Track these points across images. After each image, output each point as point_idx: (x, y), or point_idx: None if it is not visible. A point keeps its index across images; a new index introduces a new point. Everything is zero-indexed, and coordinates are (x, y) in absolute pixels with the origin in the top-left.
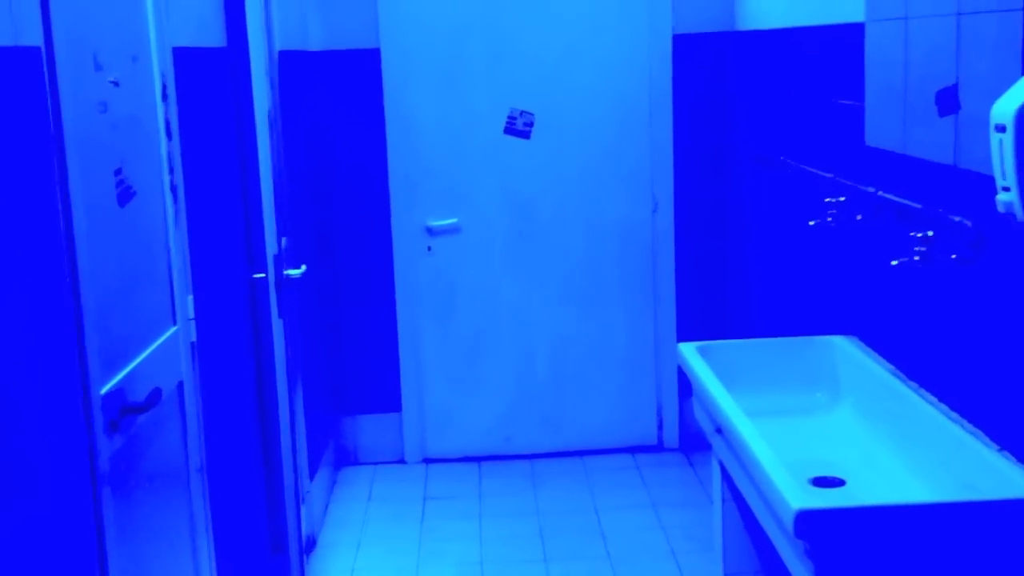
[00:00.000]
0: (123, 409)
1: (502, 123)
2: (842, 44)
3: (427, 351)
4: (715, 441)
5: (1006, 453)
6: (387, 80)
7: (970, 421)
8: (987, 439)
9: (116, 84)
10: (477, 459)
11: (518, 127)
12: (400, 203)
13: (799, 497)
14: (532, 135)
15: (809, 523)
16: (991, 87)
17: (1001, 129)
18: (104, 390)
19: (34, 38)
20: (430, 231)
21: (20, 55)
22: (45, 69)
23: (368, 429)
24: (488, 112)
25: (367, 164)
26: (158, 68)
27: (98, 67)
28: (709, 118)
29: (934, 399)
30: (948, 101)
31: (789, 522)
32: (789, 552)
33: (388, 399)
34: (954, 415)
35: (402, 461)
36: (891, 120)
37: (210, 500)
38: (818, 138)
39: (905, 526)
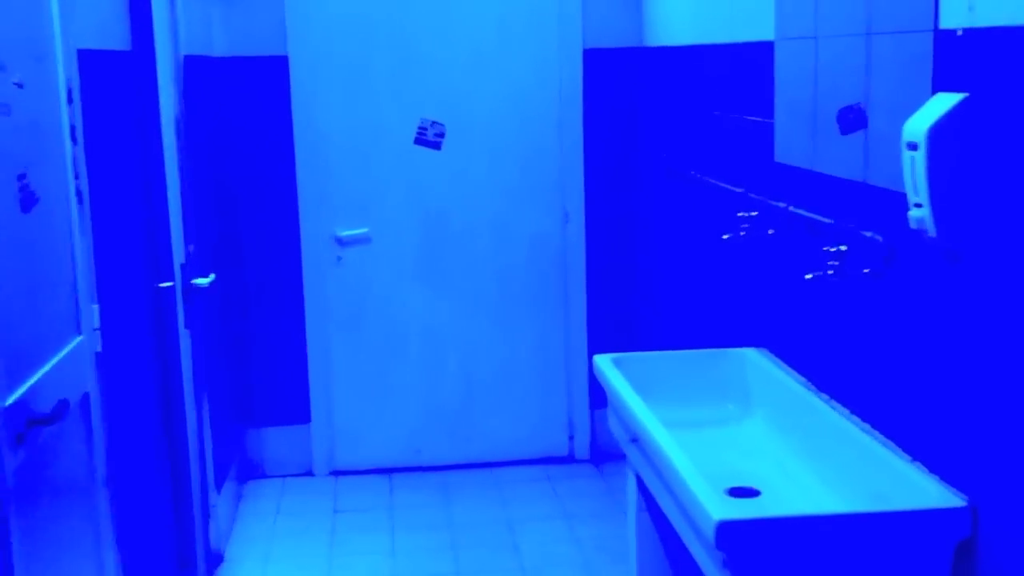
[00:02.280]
0: (28, 421)
1: (413, 133)
2: (752, 62)
3: (336, 362)
4: (630, 452)
5: (918, 463)
6: (295, 88)
7: (882, 432)
8: (899, 450)
9: (20, 86)
10: (387, 471)
11: (429, 137)
12: (309, 212)
13: (719, 508)
14: (443, 146)
15: (729, 534)
16: (901, 106)
17: (913, 147)
18: (8, 402)
19: None
20: (339, 241)
21: None
22: None
23: (276, 441)
24: (398, 122)
25: (275, 173)
26: (63, 70)
27: (1, 68)
28: (620, 132)
29: (845, 411)
30: (851, 119)
31: (710, 533)
32: (707, 562)
33: (296, 411)
34: (866, 426)
35: (310, 474)
36: (800, 137)
37: (116, 514)
38: (729, 153)
39: (822, 536)
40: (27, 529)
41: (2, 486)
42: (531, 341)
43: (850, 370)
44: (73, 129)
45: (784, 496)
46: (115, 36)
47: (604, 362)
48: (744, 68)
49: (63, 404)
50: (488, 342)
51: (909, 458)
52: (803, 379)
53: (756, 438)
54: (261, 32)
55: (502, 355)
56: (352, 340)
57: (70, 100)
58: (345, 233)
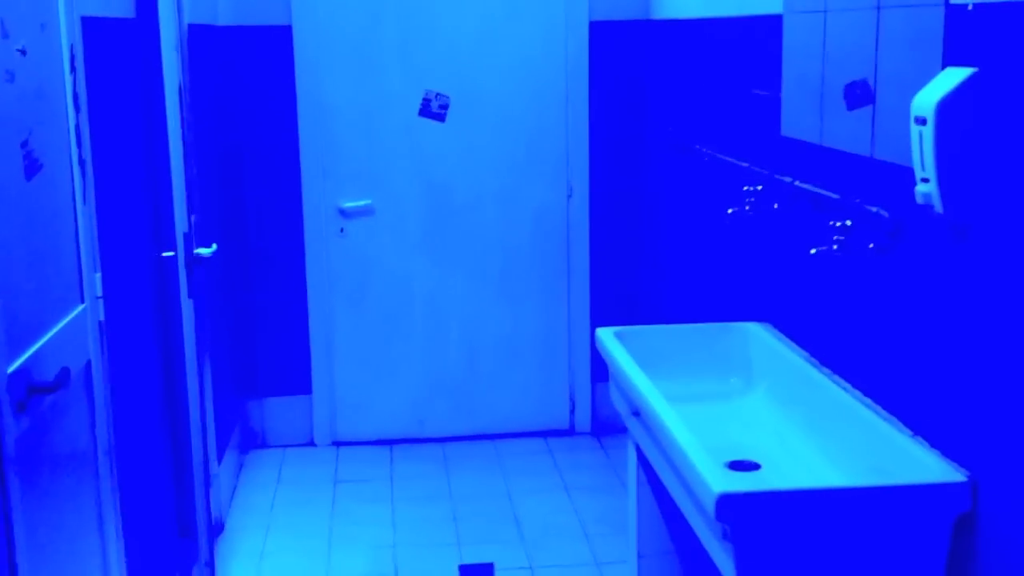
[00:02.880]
0: (30, 389)
1: (417, 104)
2: (760, 35)
3: (339, 333)
4: (631, 424)
5: (919, 439)
6: (299, 58)
7: (884, 407)
8: (901, 425)
9: (23, 53)
10: (389, 442)
11: (433, 109)
12: (312, 183)
13: (720, 481)
14: (447, 118)
15: (730, 506)
16: (910, 80)
17: (921, 122)
18: (10, 369)
19: None
20: (343, 212)
21: None
22: None
23: (277, 411)
24: (403, 93)
25: (279, 143)
26: (67, 38)
27: (4, 35)
28: (626, 105)
29: (848, 385)
30: (857, 95)
31: (710, 505)
32: (707, 534)
33: (298, 381)
34: (868, 401)
35: (312, 444)
36: (807, 111)
37: (118, 483)
38: (735, 127)
39: (823, 510)
40: (29, 497)
41: (4, 453)
42: (534, 314)
43: (853, 345)
44: (76, 97)
45: (785, 470)
46: (119, 3)
47: (606, 335)
48: (752, 42)
49: (65, 372)
50: (491, 314)
51: (910, 433)
52: (806, 354)
53: (758, 412)
54: (265, 1)
55: (505, 328)
56: (354, 311)
57: (73, 68)
58: (348, 204)
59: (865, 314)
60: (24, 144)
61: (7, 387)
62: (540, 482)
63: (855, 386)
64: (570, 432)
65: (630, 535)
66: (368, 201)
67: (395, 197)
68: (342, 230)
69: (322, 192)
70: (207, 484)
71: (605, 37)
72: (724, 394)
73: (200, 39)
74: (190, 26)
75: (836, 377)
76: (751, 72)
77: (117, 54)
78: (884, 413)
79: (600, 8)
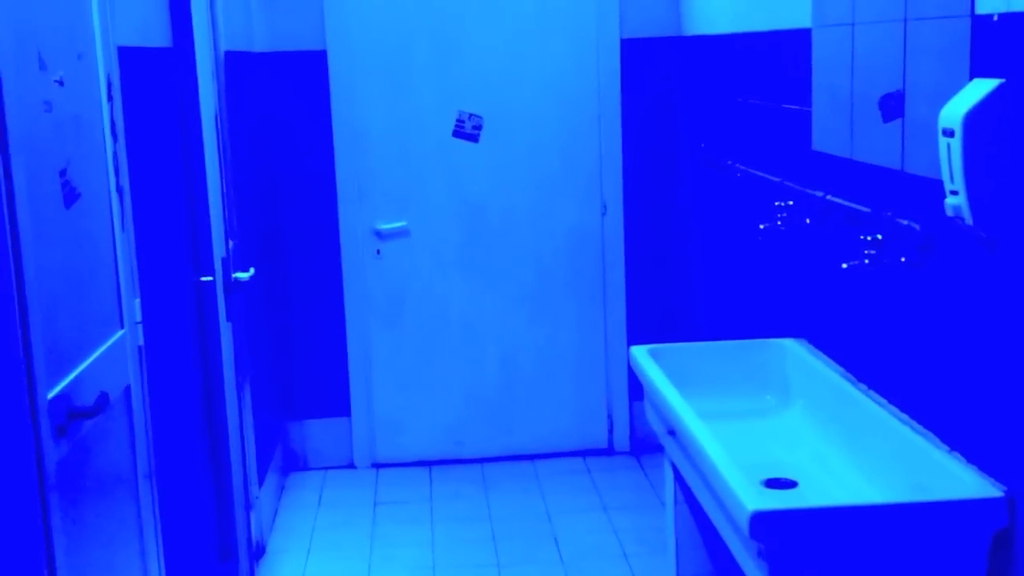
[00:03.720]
0: (70, 414)
1: (451, 126)
2: (789, 50)
3: (376, 355)
4: (667, 443)
5: (956, 454)
6: (334, 82)
7: (920, 423)
8: (937, 440)
9: (61, 83)
10: (427, 463)
11: (467, 130)
12: (348, 206)
13: (754, 499)
14: (481, 138)
15: (764, 524)
16: (938, 93)
17: (949, 134)
18: (51, 395)
19: None
20: (379, 234)
21: None
22: None
23: (317, 434)
24: (436, 115)
25: (315, 167)
26: (103, 67)
27: (42, 66)
28: (658, 122)
29: (884, 401)
30: (892, 106)
31: (744, 524)
32: (743, 553)
33: (337, 403)
34: (904, 416)
35: (352, 466)
36: (838, 125)
37: (158, 506)
38: (766, 142)
39: (858, 527)
40: (69, 521)
41: (45, 478)
42: (570, 333)
43: (888, 360)
44: (113, 125)
45: (822, 487)
46: (156, 33)
47: (640, 353)
48: (781, 56)
49: (104, 397)
50: (527, 334)
51: (947, 448)
52: (841, 369)
53: (794, 429)
54: (300, 27)
55: (541, 347)
56: (392, 333)
57: (110, 97)
58: (384, 226)
59: (899, 328)
60: (63, 173)
61: (48, 412)
62: (579, 502)
63: (891, 402)
64: (609, 451)
65: (668, 555)
66: (404, 223)
67: (430, 218)
68: (378, 252)
69: (358, 214)
70: (248, 506)
71: (637, 54)
72: (760, 411)
73: (236, 65)
74: (227, 53)
75: (872, 393)
76: (781, 86)
77: (154, 82)
78: (920, 428)
79: (631, 26)
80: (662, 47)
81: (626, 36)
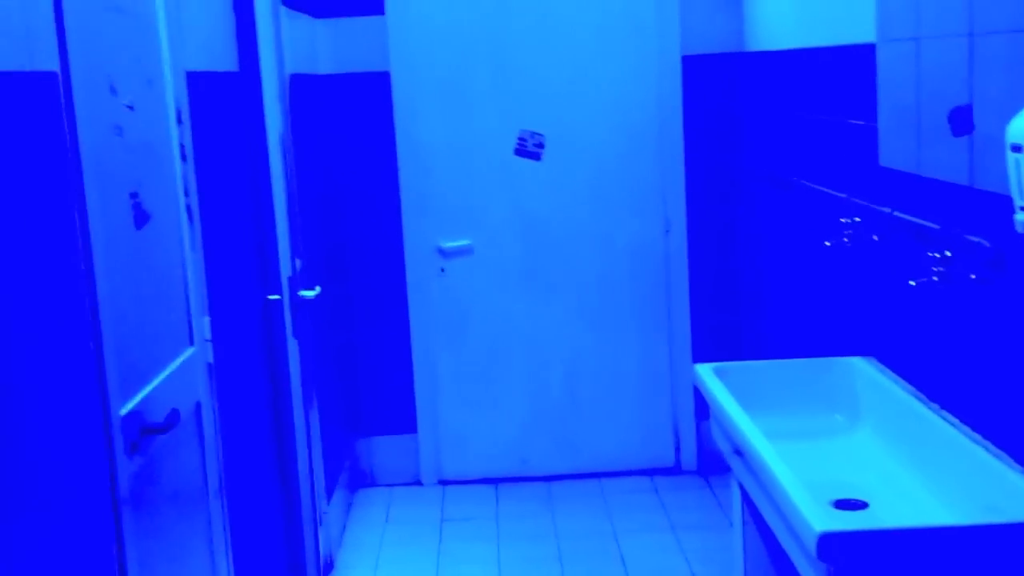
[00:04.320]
0: (142, 430)
1: (513, 144)
2: (853, 65)
3: (441, 372)
4: (734, 463)
5: None
6: (397, 102)
7: (993, 442)
8: (1011, 460)
9: (131, 108)
10: (493, 481)
11: (529, 148)
12: (412, 225)
13: (821, 519)
14: (543, 156)
15: (832, 546)
16: (1005, 107)
17: (1017, 149)
18: (124, 411)
19: (51, 63)
20: (442, 252)
21: (37, 80)
22: (62, 93)
23: (384, 450)
24: (498, 133)
25: (379, 186)
26: (172, 92)
27: (113, 91)
28: (720, 139)
29: (956, 420)
30: (961, 121)
31: (812, 545)
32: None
33: (403, 420)
34: (976, 436)
35: (418, 483)
36: (905, 140)
37: (228, 521)
38: (831, 158)
39: (929, 549)
40: (141, 536)
41: (118, 493)
42: (635, 350)
43: (959, 378)
44: (183, 148)
45: (893, 508)
46: (223, 58)
47: (705, 371)
48: (846, 71)
49: (175, 413)
50: (592, 352)
51: (1021, 469)
52: (912, 388)
53: (864, 449)
54: (364, 49)
55: (606, 365)
56: (456, 350)
57: (179, 120)
58: (448, 244)
59: (970, 346)
60: (134, 195)
61: (121, 428)
62: (645, 521)
63: (963, 421)
64: (676, 470)
65: None
66: (467, 241)
67: (493, 236)
68: (442, 270)
69: (422, 233)
70: (316, 522)
71: (698, 71)
72: (829, 431)
73: (302, 88)
74: (292, 76)
75: (943, 412)
76: (846, 102)
77: (221, 106)
78: (993, 448)
79: (692, 42)
80: (724, 63)
81: (687, 53)
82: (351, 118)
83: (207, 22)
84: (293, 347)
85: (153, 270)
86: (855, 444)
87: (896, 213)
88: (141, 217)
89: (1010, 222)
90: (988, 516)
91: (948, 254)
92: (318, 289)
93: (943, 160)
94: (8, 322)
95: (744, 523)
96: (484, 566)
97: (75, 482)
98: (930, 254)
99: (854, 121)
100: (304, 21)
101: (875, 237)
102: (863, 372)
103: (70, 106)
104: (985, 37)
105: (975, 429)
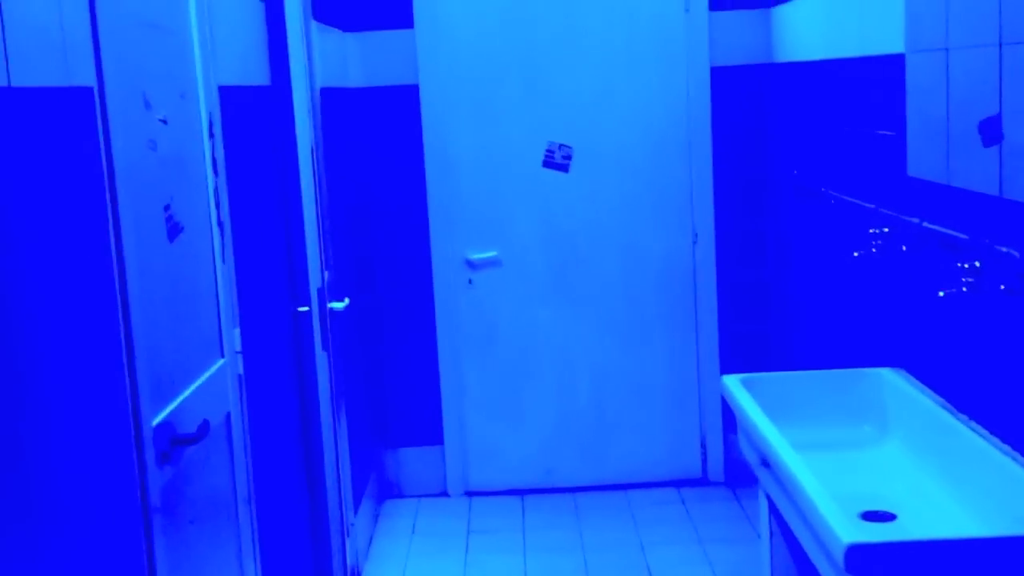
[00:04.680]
0: (173, 441)
1: (540, 156)
2: (882, 75)
3: (469, 384)
4: (761, 475)
5: None
6: (426, 115)
7: (1022, 454)
8: None
9: (165, 122)
10: (520, 492)
11: (556, 160)
12: (440, 236)
13: (849, 531)
14: (571, 168)
15: (860, 557)
16: None
17: None
18: (155, 422)
19: (87, 78)
20: (470, 264)
21: (73, 95)
22: (97, 108)
23: (411, 462)
24: (526, 145)
25: (407, 198)
26: (205, 106)
27: (147, 106)
28: (749, 149)
29: (985, 432)
30: (992, 131)
31: (839, 556)
32: None
33: (430, 432)
34: (1006, 447)
35: (445, 494)
36: (934, 150)
37: (257, 531)
38: (859, 169)
39: (957, 560)
40: (172, 545)
41: (149, 502)
42: (662, 362)
43: (989, 390)
44: (215, 161)
45: (921, 520)
46: (255, 72)
47: (733, 383)
48: (874, 82)
49: (206, 424)
50: (619, 363)
51: None
52: (941, 399)
53: (893, 461)
54: (393, 62)
55: (633, 376)
56: (483, 362)
57: (211, 134)
58: (475, 256)
59: (999, 357)
60: (166, 208)
61: (152, 439)
62: (672, 533)
63: (993, 432)
64: (703, 481)
65: None
66: (495, 252)
67: (521, 248)
68: (470, 281)
69: (450, 245)
70: (343, 533)
71: (727, 82)
72: (857, 442)
73: (332, 101)
74: (322, 89)
75: (973, 423)
76: (874, 112)
77: (253, 119)
78: (1023, 460)
79: (721, 54)
80: (752, 74)
81: (716, 64)
82: (380, 131)
83: (240, 37)
84: (322, 359)
85: (185, 282)
86: (884, 455)
87: (925, 223)
88: (173, 229)
89: None
90: (1017, 527)
91: (977, 265)
92: (347, 301)
93: (972, 170)
94: (42, 333)
95: (772, 535)
96: None
97: (107, 492)
98: (959, 265)
99: (882, 131)
100: (335, 35)
101: (904, 247)
102: (892, 383)
103: (105, 121)
104: (1015, 47)
105: (1004, 440)
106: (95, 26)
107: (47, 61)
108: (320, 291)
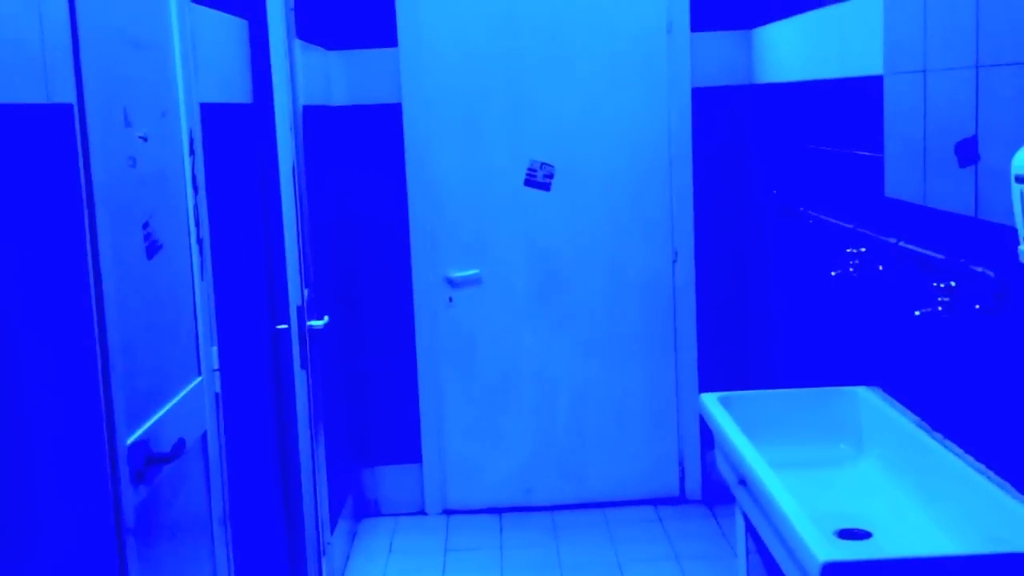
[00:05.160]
0: (148, 459)
1: (522, 175)
2: (861, 97)
3: (448, 402)
4: (739, 493)
5: None
6: (408, 134)
7: (997, 472)
8: (1014, 491)
9: (145, 139)
10: (498, 511)
11: (538, 179)
12: (421, 255)
13: (825, 549)
14: (552, 187)
15: (836, 575)
16: (1011, 139)
17: (1022, 180)
18: (130, 441)
19: (67, 95)
20: (451, 282)
21: (53, 112)
22: (77, 126)
23: (389, 480)
24: (508, 164)
25: (389, 216)
26: (186, 124)
27: (128, 123)
28: (729, 170)
29: (960, 450)
30: (968, 152)
31: (815, 574)
32: None
33: (409, 450)
34: (980, 466)
35: (423, 512)
36: (911, 172)
37: (233, 551)
38: (838, 189)
39: None
40: (145, 566)
41: (122, 522)
42: (641, 380)
43: (964, 409)
44: (195, 179)
45: (897, 538)
46: (237, 90)
47: (711, 401)
48: (853, 103)
49: (181, 443)
50: (598, 382)
51: None
52: (916, 418)
53: (869, 479)
54: (376, 81)
55: (612, 395)
56: (463, 380)
57: (192, 152)
58: (456, 274)
59: (974, 376)
60: (145, 225)
61: (127, 458)
62: (650, 551)
63: (967, 451)
64: (680, 500)
65: None
66: (476, 271)
67: (502, 266)
68: (450, 300)
69: (431, 263)
70: (320, 552)
71: (708, 103)
72: (833, 460)
73: (314, 119)
74: (305, 107)
75: (948, 442)
76: (853, 133)
77: (234, 137)
78: (997, 479)
79: (702, 75)
80: (733, 95)
81: (697, 85)
82: (363, 149)
83: (222, 55)
84: (300, 377)
85: (163, 300)
86: (859, 474)
87: (902, 243)
88: (152, 247)
89: (1015, 253)
90: (992, 546)
91: (953, 284)
92: (326, 319)
93: (949, 191)
94: (17, 350)
95: (748, 553)
96: None
97: (80, 511)
98: (935, 284)
99: (861, 152)
100: (318, 53)
101: (881, 267)
102: (868, 402)
103: (85, 138)
104: (991, 69)
105: (979, 459)
106: (76, 43)
107: (26, 77)
108: (299, 309)
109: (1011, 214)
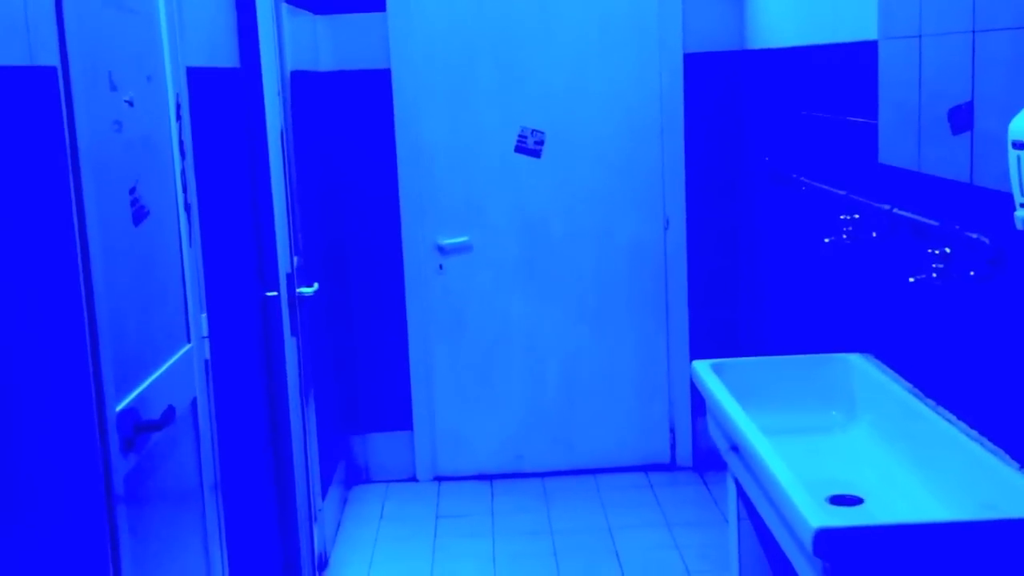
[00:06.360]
0: (137, 427)
1: (513, 141)
2: (855, 62)
3: (438, 369)
4: (730, 459)
5: None
6: (398, 100)
7: (990, 439)
8: (1007, 457)
9: (131, 104)
10: (489, 477)
11: (529, 145)
12: (411, 221)
13: (818, 515)
14: (543, 153)
15: (828, 542)
16: (1007, 104)
17: (1019, 146)
18: (119, 408)
19: (50, 58)
20: (441, 249)
21: (36, 75)
22: (61, 89)
23: (380, 447)
24: (498, 131)
25: (378, 183)
26: (172, 88)
27: (113, 87)
28: (721, 136)
29: (952, 417)
30: (961, 118)
31: (808, 541)
32: (807, 571)
33: (399, 417)
34: (973, 433)
35: (414, 479)
36: (905, 138)
37: (223, 518)
38: (831, 156)
39: (925, 544)
40: (136, 533)
41: (112, 490)
42: (632, 347)
43: (957, 375)
44: (182, 144)
45: (888, 504)
46: (225, 54)
47: (703, 368)
48: (847, 69)
49: (171, 410)
50: (589, 348)
51: (1017, 466)
52: (909, 385)
53: (860, 445)
54: (365, 46)
55: (603, 361)
56: (453, 347)
57: (179, 116)
58: (446, 241)
59: (968, 343)
60: (132, 191)
61: (116, 425)
62: (641, 517)
63: (960, 418)
64: (671, 466)
65: (731, 573)
66: (466, 238)
67: (492, 233)
68: (441, 267)
69: (421, 230)
70: (311, 519)
71: (700, 68)
72: (825, 427)
73: (303, 85)
74: (293, 73)
75: (941, 409)
76: (847, 99)
77: (221, 102)
78: (990, 445)
79: (694, 40)
80: (725, 61)
81: (689, 50)
82: (351, 115)
83: (208, 18)
84: (290, 344)
85: (150, 266)
86: (852, 440)
87: (896, 210)
88: (139, 213)
89: (1010, 219)
90: (984, 512)
91: (947, 251)
92: (316, 286)
93: (943, 157)
94: (3, 318)
95: (740, 519)
96: (479, 562)
97: (69, 479)
98: (929, 251)
99: (854, 118)
100: (306, 18)
101: (874, 234)
102: (860, 368)
103: (69, 102)
104: (987, 34)
105: (972, 426)
106: (59, 5)
107: (9, 40)
108: (289, 276)
109: (1007, 180)
